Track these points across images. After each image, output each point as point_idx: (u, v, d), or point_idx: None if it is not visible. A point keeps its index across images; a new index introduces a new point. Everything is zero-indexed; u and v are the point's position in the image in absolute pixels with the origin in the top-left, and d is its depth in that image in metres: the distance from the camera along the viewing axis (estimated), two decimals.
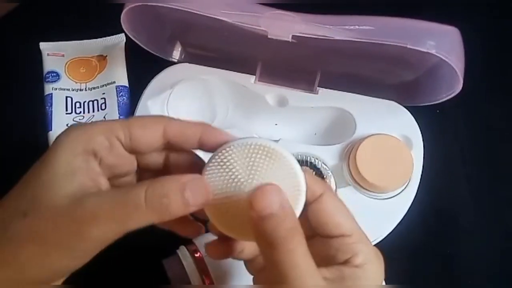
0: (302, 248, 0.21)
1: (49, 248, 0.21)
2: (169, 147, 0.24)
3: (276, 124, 0.42)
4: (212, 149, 0.23)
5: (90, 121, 0.24)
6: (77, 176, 0.21)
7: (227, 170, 0.21)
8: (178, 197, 0.21)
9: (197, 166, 0.23)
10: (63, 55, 0.45)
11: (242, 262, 0.34)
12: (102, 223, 0.20)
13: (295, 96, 0.40)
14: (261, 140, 0.21)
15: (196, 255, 0.35)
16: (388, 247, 0.38)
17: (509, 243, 0.40)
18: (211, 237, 0.36)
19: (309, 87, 0.40)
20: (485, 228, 0.40)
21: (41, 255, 0.21)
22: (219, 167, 0.22)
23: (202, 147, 0.23)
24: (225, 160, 0.21)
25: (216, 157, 0.22)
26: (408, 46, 0.31)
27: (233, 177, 0.21)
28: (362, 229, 0.24)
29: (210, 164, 0.22)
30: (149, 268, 0.37)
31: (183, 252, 0.35)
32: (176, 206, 0.21)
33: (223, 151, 0.22)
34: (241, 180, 0.21)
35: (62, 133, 0.22)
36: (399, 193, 0.37)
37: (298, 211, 0.21)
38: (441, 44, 0.31)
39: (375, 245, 0.36)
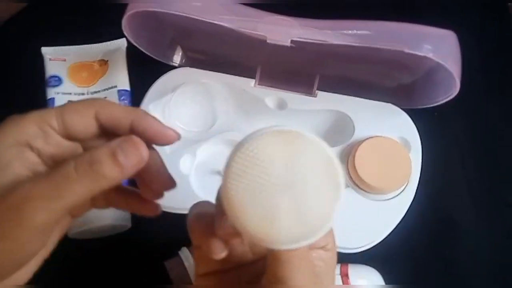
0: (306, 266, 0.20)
1: None
2: (106, 132, 0.23)
3: None
4: (142, 135, 0.22)
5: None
6: (11, 168, 0.21)
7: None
8: (110, 160, 0.20)
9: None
10: (64, 60, 0.46)
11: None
12: (38, 204, 0.20)
13: (294, 99, 0.41)
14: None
15: None
16: (387, 249, 0.38)
17: (509, 244, 0.40)
18: None
19: (308, 90, 0.41)
20: (484, 229, 0.40)
21: None
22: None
23: (134, 133, 0.23)
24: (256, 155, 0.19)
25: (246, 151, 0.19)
26: (405, 51, 0.32)
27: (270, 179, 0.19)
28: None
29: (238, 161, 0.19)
30: (151, 270, 0.37)
31: (185, 253, 0.36)
32: (109, 169, 0.20)
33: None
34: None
35: None
36: (398, 194, 0.38)
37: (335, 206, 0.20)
38: (437, 48, 0.32)
39: (373, 246, 0.37)
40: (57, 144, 0.23)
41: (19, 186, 0.20)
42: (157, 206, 0.26)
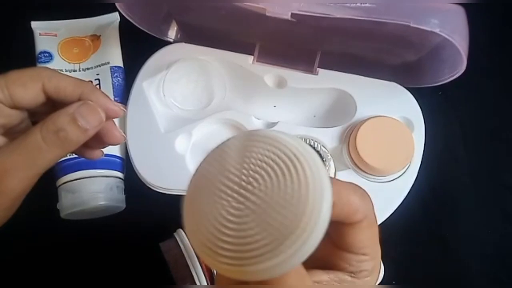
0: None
1: None
2: (53, 101, 0.25)
3: (274, 106, 0.42)
4: None
5: None
6: None
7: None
8: (73, 126, 0.23)
9: None
10: (55, 35, 0.44)
11: None
12: (14, 174, 0.22)
13: (294, 77, 0.39)
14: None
15: None
16: (387, 230, 0.37)
17: (509, 227, 0.40)
18: None
19: (309, 68, 0.39)
20: (485, 212, 0.40)
21: None
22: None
23: None
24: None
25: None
26: (411, 25, 0.30)
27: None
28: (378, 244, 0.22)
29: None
30: (146, 251, 0.37)
31: (180, 235, 0.35)
32: (75, 135, 0.23)
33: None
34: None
35: None
36: (400, 176, 0.37)
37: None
38: (445, 23, 0.30)
39: None
40: (6, 115, 0.24)
41: None
42: (101, 151, 0.29)
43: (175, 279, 0.34)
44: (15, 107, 0.24)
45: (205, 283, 0.33)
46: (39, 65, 0.42)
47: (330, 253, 0.21)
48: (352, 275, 0.21)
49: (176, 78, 0.40)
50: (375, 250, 0.22)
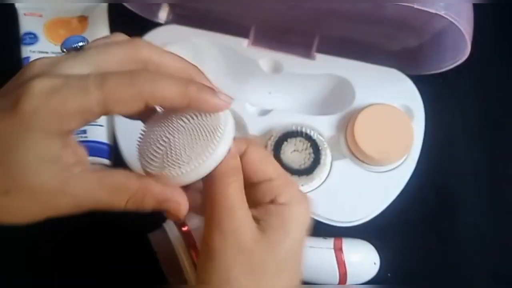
0: (237, 184, 0.23)
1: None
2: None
3: (269, 92, 0.40)
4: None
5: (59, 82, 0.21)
6: (58, 161, 0.21)
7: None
8: (155, 206, 0.23)
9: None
10: (41, 15, 0.42)
11: None
12: (84, 205, 0.22)
13: (291, 62, 0.38)
14: None
15: (183, 228, 0.33)
16: (383, 222, 0.37)
17: (508, 218, 0.40)
18: None
19: (306, 52, 0.38)
20: (484, 203, 0.39)
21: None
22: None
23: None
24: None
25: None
26: (415, 6, 0.29)
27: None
28: (288, 176, 0.26)
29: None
30: (133, 243, 0.35)
31: (169, 225, 0.34)
32: (150, 209, 0.23)
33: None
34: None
35: (31, 98, 0.20)
36: (398, 166, 0.36)
37: (221, 150, 0.22)
38: (450, 5, 0.29)
39: (371, 220, 0.36)
40: (95, 118, 0.22)
41: (72, 184, 0.21)
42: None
43: (164, 270, 0.33)
44: (108, 114, 0.22)
45: (194, 274, 0.33)
46: (23, 47, 0.41)
47: (253, 194, 0.25)
48: (274, 203, 0.24)
49: None
50: (280, 174, 0.25)
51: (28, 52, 0.40)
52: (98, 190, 0.22)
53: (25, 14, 0.42)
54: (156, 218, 0.34)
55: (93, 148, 0.37)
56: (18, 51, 0.41)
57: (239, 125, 0.36)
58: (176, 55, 0.24)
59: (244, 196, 0.24)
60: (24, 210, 0.22)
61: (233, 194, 0.23)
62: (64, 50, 0.23)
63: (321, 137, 0.36)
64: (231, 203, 0.23)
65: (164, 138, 0.22)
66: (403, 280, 0.37)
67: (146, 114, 0.24)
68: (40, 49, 0.41)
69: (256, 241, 0.23)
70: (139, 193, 0.22)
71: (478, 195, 0.39)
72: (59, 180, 0.21)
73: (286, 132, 0.35)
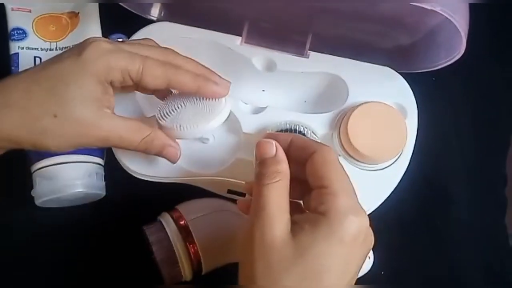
0: (275, 186, 0.25)
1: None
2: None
3: (263, 90, 0.40)
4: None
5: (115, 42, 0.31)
6: (98, 102, 0.29)
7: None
8: (159, 149, 0.31)
9: None
10: (30, 11, 0.41)
11: (228, 231, 0.32)
12: (109, 139, 0.29)
13: (284, 60, 0.37)
14: None
15: (180, 222, 0.33)
16: (378, 219, 0.37)
17: (500, 216, 0.40)
18: (194, 203, 0.35)
19: (300, 50, 0.38)
20: (478, 201, 0.39)
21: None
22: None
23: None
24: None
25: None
26: (410, 3, 0.28)
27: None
28: (350, 188, 0.26)
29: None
30: (126, 242, 0.35)
31: (166, 218, 0.34)
32: (154, 151, 0.31)
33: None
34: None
35: (93, 50, 0.28)
36: (391, 164, 0.36)
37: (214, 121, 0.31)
38: (446, 1, 0.29)
39: None
40: (124, 86, 0.30)
41: (104, 120, 0.29)
42: None
43: (158, 261, 0.32)
44: (139, 84, 0.30)
45: (190, 267, 0.32)
46: (12, 43, 0.40)
47: (309, 199, 0.26)
48: (315, 211, 0.25)
49: None
50: (335, 182, 0.25)
51: (17, 48, 0.40)
52: (122, 128, 0.29)
53: (13, 9, 0.41)
54: (149, 215, 0.34)
55: (87, 148, 0.36)
56: (6, 47, 0.40)
57: (233, 123, 0.36)
58: (194, 60, 0.32)
59: (283, 198, 0.25)
60: (63, 136, 0.28)
61: (267, 194, 0.25)
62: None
63: (314, 135, 0.35)
64: (263, 202, 0.25)
65: (178, 106, 0.31)
66: (396, 278, 0.37)
67: (162, 93, 0.33)
68: (29, 45, 0.40)
69: (283, 241, 0.24)
70: (150, 137, 0.30)
71: (471, 192, 0.40)
72: (96, 116, 0.28)
73: (279, 131, 0.35)
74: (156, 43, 0.33)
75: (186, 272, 0.32)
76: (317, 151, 0.26)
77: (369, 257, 0.35)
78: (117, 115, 0.30)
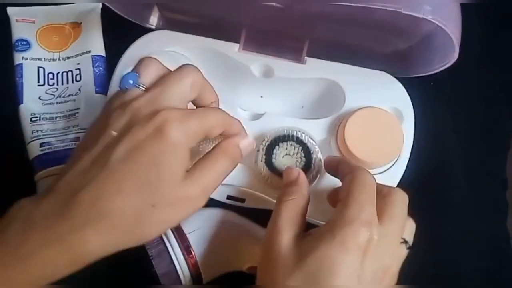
0: (295, 205, 0.28)
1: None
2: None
3: (261, 97, 0.40)
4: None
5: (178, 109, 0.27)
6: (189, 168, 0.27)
7: None
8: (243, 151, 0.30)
9: None
10: (33, 22, 0.42)
11: (227, 243, 0.33)
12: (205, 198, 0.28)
13: (282, 66, 0.38)
14: None
15: (181, 236, 0.33)
16: None
17: (500, 219, 0.39)
18: (194, 216, 0.35)
19: (297, 56, 0.38)
20: (477, 205, 0.39)
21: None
22: None
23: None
24: None
25: None
26: (403, 12, 0.29)
27: None
28: (368, 202, 0.27)
29: None
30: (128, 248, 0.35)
31: (166, 232, 0.34)
32: (244, 154, 0.31)
33: None
34: None
35: (172, 126, 0.26)
36: (388, 169, 0.36)
37: None
38: (438, 9, 0.29)
39: None
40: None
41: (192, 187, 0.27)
42: None
43: (159, 275, 0.33)
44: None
45: (190, 277, 0.33)
46: (16, 53, 0.41)
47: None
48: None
49: None
50: (355, 195, 0.27)
51: (21, 58, 0.41)
52: (205, 179, 0.27)
53: (17, 21, 0.42)
54: None
55: None
56: (10, 58, 0.41)
57: None
58: (226, 114, 0.30)
59: (296, 214, 0.28)
60: (165, 219, 0.26)
61: (282, 208, 0.28)
62: (137, 85, 0.28)
63: (312, 141, 0.36)
64: (276, 215, 0.28)
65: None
66: (396, 282, 0.37)
67: None
68: (33, 55, 0.41)
69: (288, 248, 0.26)
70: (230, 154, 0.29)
71: (471, 196, 0.39)
72: (189, 188, 0.26)
73: (277, 136, 0.35)
74: (193, 79, 0.30)
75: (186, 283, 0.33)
76: (352, 171, 0.29)
77: None
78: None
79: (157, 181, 0.25)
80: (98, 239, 0.24)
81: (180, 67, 0.29)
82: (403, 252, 0.29)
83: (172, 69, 0.29)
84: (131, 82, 0.28)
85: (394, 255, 0.27)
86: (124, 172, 0.25)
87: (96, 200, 0.24)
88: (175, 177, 0.25)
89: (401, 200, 0.29)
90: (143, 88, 0.28)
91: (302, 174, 0.31)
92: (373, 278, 0.25)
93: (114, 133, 0.26)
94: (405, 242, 0.29)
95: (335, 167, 0.32)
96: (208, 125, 0.28)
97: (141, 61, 0.29)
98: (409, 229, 0.29)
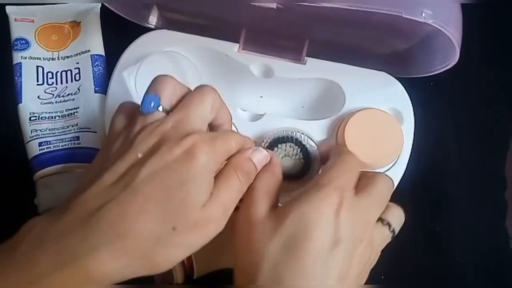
0: (266, 182, 0.29)
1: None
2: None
3: (261, 97, 0.40)
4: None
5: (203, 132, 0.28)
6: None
7: None
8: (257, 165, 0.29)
9: None
10: (33, 21, 0.42)
11: (221, 238, 0.33)
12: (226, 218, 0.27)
13: (282, 66, 0.38)
14: None
15: None
16: None
17: (500, 219, 0.40)
18: None
19: (297, 57, 0.38)
20: (477, 206, 0.39)
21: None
22: None
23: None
24: None
25: None
26: (403, 16, 0.29)
27: None
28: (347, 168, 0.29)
29: None
30: None
31: None
32: (258, 167, 0.30)
33: None
34: None
35: (201, 150, 0.25)
36: (388, 169, 0.36)
37: None
38: (438, 13, 0.29)
39: None
40: None
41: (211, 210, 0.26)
42: None
43: (155, 277, 0.33)
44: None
45: (182, 270, 0.33)
46: (15, 53, 0.41)
47: None
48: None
49: (150, 71, 0.38)
50: (332, 168, 0.28)
51: (20, 58, 0.40)
52: (227, 194, 0.27)
53: (16, 20, 0.42)
54: None
55: (86, 155, 0.37)
56: (9, 57, 0.40)
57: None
58: (239, 134, 0.32)
59: (271, 188, 0.29)
60: (185, 243, 0.25)
61: (256, 182, 0.28)
62: (159, 109, 0.28)
63: (312, 142, 0.36)
64: (250, 188, 0.28)
65: None
66: (396, 282, 0.37)
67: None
68: (32, 55, 0.41)
69: (264, 216, 0.27)
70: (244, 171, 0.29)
71: (471, 196, 0.39)
72: (212, 212, 0.26)
73: (276, 138, 0.35)
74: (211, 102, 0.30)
75: (178, 277, 0.33)
76: (340, 154, 0.30)
77: None
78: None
79: (182, 204, 0.24)
80: (113, 261, 0.23)
81: (199, 88, 0.29)
82: (385, 233, 0.29)
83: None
84: (152, 105, 0.27)
85: (367, 229, 0.27)
86: (149, 192, 0.24)
87: (119, 220, 0.23)
88: (200, 199, 0.25)
89: (383, 181, 0.29)
90: (165, 111, 0.28)
91: (274, 156, 0.31)
92: (346, 247, 0.26)
93: (140, 154, 0.25)
94: (389, 225, 0.29)
95: (327, 152, 0.32)
96: (231, 147, 0.28)
97: (156, 80, 0.28)
98: (396, 215, 0.30)
